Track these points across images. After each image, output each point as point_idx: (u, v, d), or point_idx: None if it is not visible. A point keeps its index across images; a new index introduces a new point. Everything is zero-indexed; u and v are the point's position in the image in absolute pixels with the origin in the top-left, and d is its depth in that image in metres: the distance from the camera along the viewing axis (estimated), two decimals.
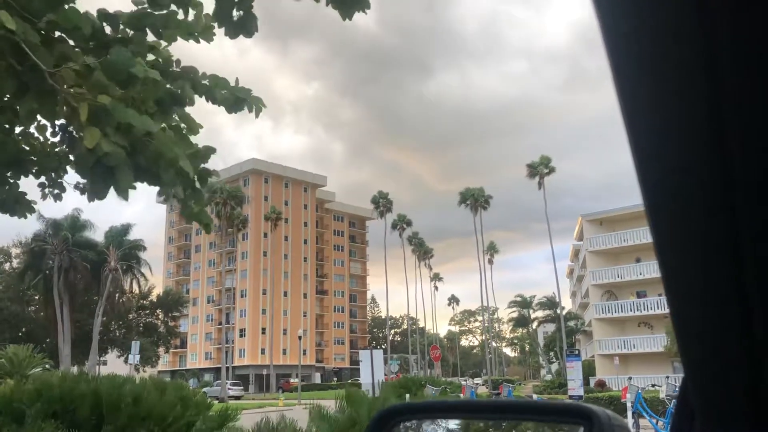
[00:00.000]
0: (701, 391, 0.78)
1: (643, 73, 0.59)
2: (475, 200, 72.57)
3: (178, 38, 4.25)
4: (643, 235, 48.99)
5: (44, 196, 5.62)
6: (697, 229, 0.64)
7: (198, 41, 4.30)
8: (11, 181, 5.33)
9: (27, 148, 5.52)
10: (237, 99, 4.44)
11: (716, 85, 0.55)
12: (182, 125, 4.66)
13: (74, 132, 4.39)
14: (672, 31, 0.56)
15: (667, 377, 26.68)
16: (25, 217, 5.54)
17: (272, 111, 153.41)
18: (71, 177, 5.79)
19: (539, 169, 61.33)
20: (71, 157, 5.54)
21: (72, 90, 3.75)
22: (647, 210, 0.66)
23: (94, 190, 4.39)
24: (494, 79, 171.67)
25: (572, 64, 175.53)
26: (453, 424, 1.33)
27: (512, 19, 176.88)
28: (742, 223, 0.60)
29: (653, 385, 26.01)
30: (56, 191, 5.77)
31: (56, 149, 5.57)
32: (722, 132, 0.56)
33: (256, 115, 4.79)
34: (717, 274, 0.65)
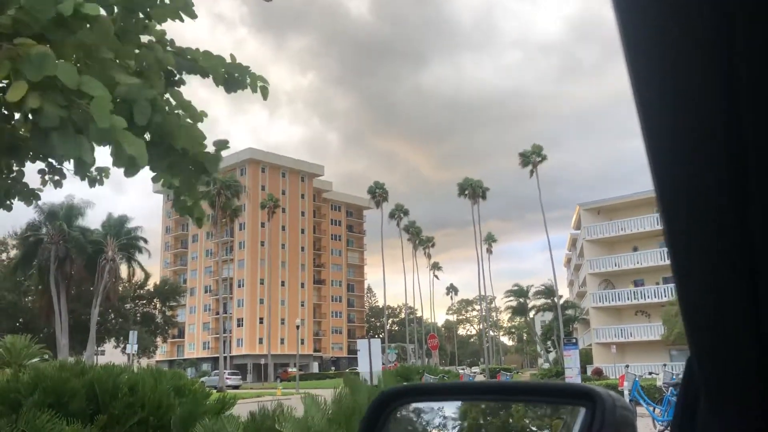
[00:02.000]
0: (708, 372, 0.77)
1: (662, 78, 0.59)
2: (474, 190, 72.55)
3: (169, 20, 4.14)
4: (640, 224, 49.04)
5: (44, 183, 5.55)
6: (707, 213, 0.64)
7: (182, 20, 4.18)
8: (16, 169, 5.24)
9: (27, 135, 5.45)
10: (233, 77, 4.26)
11: (733, 81, 0.55)
12: (181, 112, 4.36)
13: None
14: (690, 31, 0.56)
15: (664, 365, 26.80)
16: (30, 204, 5.47)
17: (268, 101, 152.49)
18: (69, 164, 5.74)
19: (531, 158, 61.17)
20: None
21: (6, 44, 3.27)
22: (658, 197, 0.66)
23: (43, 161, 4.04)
24: (489, 70, 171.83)
25: (566, 55, 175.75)
26: (454, 406, 1.29)
27: (507, 10, 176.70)
28: (753, 209, 0.60)
29: (650, 373, 26.13)
30: (56, 178, 5.70)
31: None
32: (737, 125, 0.57)
33: (264, 97, 4.52)
34: (726, 256, 0.65)
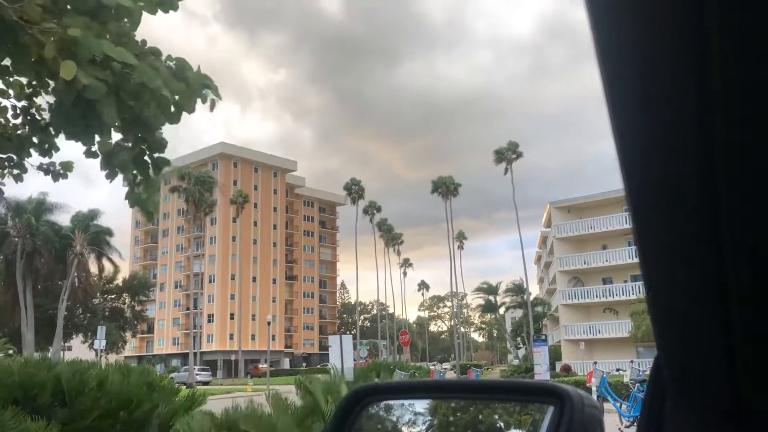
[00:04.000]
0: (675, 369, 0.77)
1: (633, 74, 0.59)
2: (447, 188, 72.82)
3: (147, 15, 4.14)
4: (609, 223, 49.68)
5: (2, 176, 5.48)
6: (677, 214, 0.64)
7: (167, 11, 4.19)
8: None
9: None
10: (197, 85, 4.37)
11: (706, 87, 0.55)
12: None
13: (47, 77, 4.25)
14: (664, 34, 0.56)
15: (632, 362, 27.16)
16: None
17: (240, 98, 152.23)
18: (34, 159, 5.65)
19: (507, 155, 61.42)
20: (34, 140, 5.41)
21: (37, 28, 3.64)
22: (628, 196, 0.66)
23: (75, 133, 4.35)
24: (460, 69, 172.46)
25: (536, 54, 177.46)
26: (425, 403, 1.31)
27: (479, 8, 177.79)
28: (723, 209, 0.60)
29: (618, 370, 26.47)
30: (16, 171, 5.62)
31: (18, 131, 5.42)
32: (709, 133, 0.56)
33: (211, 109, 4.78)
34: (694, 256, 0.65)
